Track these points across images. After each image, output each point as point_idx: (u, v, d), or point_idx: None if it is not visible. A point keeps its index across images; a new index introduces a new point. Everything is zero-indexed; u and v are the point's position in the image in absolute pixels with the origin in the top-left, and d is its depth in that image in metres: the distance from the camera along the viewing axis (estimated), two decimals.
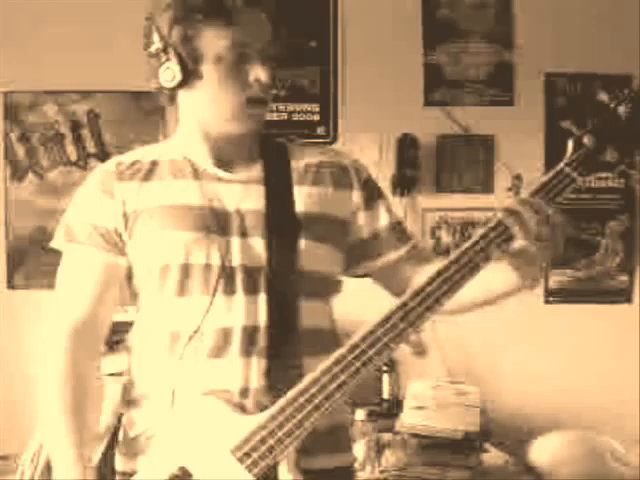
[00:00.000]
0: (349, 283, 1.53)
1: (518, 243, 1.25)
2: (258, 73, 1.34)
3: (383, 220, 1.49)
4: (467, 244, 1.25)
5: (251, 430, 1.25)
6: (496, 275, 1.31)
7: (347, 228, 1.45)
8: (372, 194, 1.49)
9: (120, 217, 1.39)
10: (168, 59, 1.34)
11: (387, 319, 1.24)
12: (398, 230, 1.50)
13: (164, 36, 1.33)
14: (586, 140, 1.27)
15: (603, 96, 1.29)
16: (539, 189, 1.25)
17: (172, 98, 1.41)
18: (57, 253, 1.46)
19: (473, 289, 1.27)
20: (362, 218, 1.46)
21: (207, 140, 1.42)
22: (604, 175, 1.31)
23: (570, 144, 1.28)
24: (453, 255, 1.25)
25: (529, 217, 1.22)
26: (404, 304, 1.24)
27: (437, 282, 1.24)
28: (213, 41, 1.32)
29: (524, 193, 1.26)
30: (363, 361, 1.23)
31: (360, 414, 2.59)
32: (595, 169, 1.27)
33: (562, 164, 1.27)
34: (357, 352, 1.23)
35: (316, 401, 1.23)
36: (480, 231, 1.25)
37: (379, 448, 2.44)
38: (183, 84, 1.35)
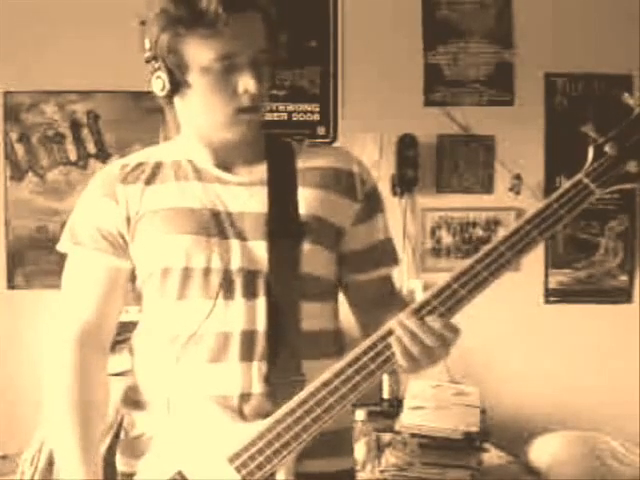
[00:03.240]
0: None
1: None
2: (247, 84, 1.31)
3: (378, 236, 1.48)
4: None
5: (249, 440, 1.24)
6: None
7: (341, 236, 1.43)
8: (373, 207, 1.47)
9: (123, 220, 1.39)
10: (158, 68, 1.34)
11: (389, 333, 1.22)
12: (389, 250, 1.50)
13: (153, 45, 1.33)
14: (608, 148, 1.19)
15: (629, 101, 1.20)
16: (555, 200, 1.20)
17: (169, 102, 1.41)
18: (57, 253, 1.46)
19: None
20: (359, 230, 1.45)
21: (207, 143, 1.41)
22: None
23: (590, 152, 1.20)
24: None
25: (409, 343, 1.19)
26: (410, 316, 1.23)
27: (440, 298, 1.22)
28: (198, 52, 1.30)
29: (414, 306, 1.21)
30: (364, 374, 1.22)
31: (360, 414, 2.59)
32: (615, 181, 1.19)
33: (581, 175, 1.20)
34: (358, 365, 1.22)
35: (315, 414, 1.22)
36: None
37: (379, 448, 2.44)
38: (174, 93, 1.35)
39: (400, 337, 1.21)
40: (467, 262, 1.21)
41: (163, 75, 1.33)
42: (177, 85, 1.34)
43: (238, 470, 1.25)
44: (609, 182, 1.20)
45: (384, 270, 1.49)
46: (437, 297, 1.22)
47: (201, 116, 1.38)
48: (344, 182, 1.43)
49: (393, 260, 1.51)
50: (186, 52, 1.31)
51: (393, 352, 1.22)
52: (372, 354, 1.22)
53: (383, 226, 1.49)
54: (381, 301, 1.44)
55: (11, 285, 2.99)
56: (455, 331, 1.22)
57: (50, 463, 1.64)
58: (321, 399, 1.22)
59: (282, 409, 1.24)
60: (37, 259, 2.95)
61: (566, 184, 1.20)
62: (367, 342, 1.23)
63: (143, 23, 1.35)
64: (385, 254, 1.50)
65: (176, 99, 1.39)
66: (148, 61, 1.35)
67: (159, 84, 1.35)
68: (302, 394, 1.23)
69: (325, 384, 1.22)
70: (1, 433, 2.69)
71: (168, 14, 1.30)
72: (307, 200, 1.39)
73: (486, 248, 1.21)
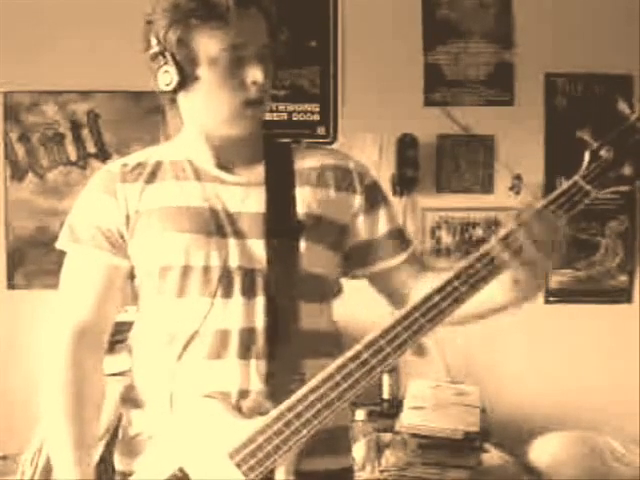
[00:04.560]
0: (353, 284, 1.53)
1: (526, 255, 1.22)
2: (254, 74, 1.33)
3: (383, 226, 1.48)
4: (473, 257, 1.23)
5: (249, 435, 1.25)
6: (496, 289, 1.29)
7: (347, 232, 1.44)
8: (374, 199, 1.47)
9: (123, 218, 1.39)
10: (166, 62, 1.34)
11: (391, 328, 1.23)
12: (398, 237, 1.50)
13: (161, 40, 1.34)
14: (603, 152, 1.22)
15: (623, 107, 1.23)
16: (552, 201, 1.22)
17: (173, 100, 1.41)
18: (57, 253, 1.46)
19: (474, 302, 1.25)
20: (362, 223, 1.46)
21: (209, 142, 1.42)
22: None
23: (586, 156, 1.23)
24: (459, 267, 1.23)
25: (540, 230, 1.20)
26: (408, 314, 1.23)
27: (440, 295, 1.23)
28: (208, 44, 1.32)
29: (535, 204, 1.22)
30: (365, 370, 1.22)
31: (360, 414, 2.59)
32: (611, 183, 1.23)
33: (577, 177, 1.23)
34: (359, 361, 1.22)
35: (315, 409, 1.23)
36: (486, 246, 1.23)
37: (379, 448, 2.44)
38: (181, 87, 1.36)
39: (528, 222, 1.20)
40: (464, 262, 1.22)
41: (171, 69, 1.34)
42: (184, 79, 1.34)
43: (239, 466, 1.25)
44: (605, 184, 1.23)
45: (400, 255, 1.48)
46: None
47: (206, 111, 1.38)
48: (342, 178, 1.45)
49: (406, 245, 1.50)
50: (195, 44, 1.32)
51: (393, 347, 1.22)
52: (372, 350, 1.22)
53: (389, 216, 1.49)
54: (412, 283, 1.44)
55: (11, 285, 2.99)
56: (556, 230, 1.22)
57: (50, 463, 1.64)
58: (321, 395, 1.23)
59: (283, 405, 1.24)
60: (37, 259, 2.95)
61: (563, 186, 1.23)
62: (368, 338, 1.23)
63: (149, 22, 1.36)
64: (395, 242, 1.48)
65: (180, 96, 1.39)
66: (154, 57, 1.35)
67: (166, 79, 1.35)
68: (303, 390, 1.24)
69: (325, 380, 1.23)
70: (1, 433, 2.69)
71: (178, 8, 1.32)
72: (305, 199, 1.40)
73: (484, 248, 1.22)
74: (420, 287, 1.35)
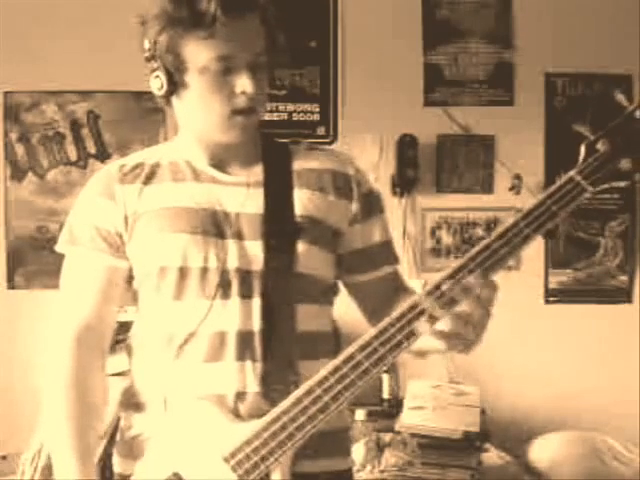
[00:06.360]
0: None
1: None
2: (244, 85, 1.32)
3: (376, 237, 1.47)
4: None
5: (244, 439, 1.24)
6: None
7: (340, 237, 1.44)
8: (370, 208, 1.47)
9: (121, 219, 1.39)
10: (157, 67, 1.34)
11: (384, 330, 1.21)
12: (387, 250, 1.50)
13: (152, 45, 1.34)
14: (600, 146, 1.18)
15: (621, 98, 1.19)
16: (548, 197, 1.20)
17: (168, 102, 1.41)
18: (57, 253, 1.46)
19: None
20: (356, 231, 1.45)
21: (204, 144, 1.41)
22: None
23: (582, 149, 1.19)
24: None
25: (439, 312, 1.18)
26: (402, 315, 1.22)
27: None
28: (197, 53, 1.31)
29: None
30: (359, 373, 1.21)
31: (360, 414, 2.59)
32: (608, 179, 1.19)
33: (573, 172, 1.19)
34: (353, 363, 1.21)
35: (310, 412, 1.22)
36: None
37: (379, 448, 2.44)
38: (171, 93, 1.36)
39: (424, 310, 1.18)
40: (460, 260, 1.21)
41: (161, 75, 1.34)
42: (175, 85, 1.34)
43: (234, 469, 1.25)
44: (601, 179, 1.19)
45: (386, 269, 1.49)
46: (430, 295, 1.22)
47: (198, 117, 1.38)
48: (340, 184, 1.44)
49: (393, 259, 1.51)
50: (184, 52, 1.31)
51: (388, 349, 1.21)
52: (366, 352, 1.21)
53: (382, 227, 1.49)
54: (388, 299, 1.44)
55: (11, 285, 2.99)
56: (493, 287, 1.18)
57: (50, 463, 1.64)
58: (316, 398, 1.22)
59: (277, 408, 1.24)
60: (37, 259, 2.95)
61: (558, 181, 1.20)
62: (362, 339, 1.22)
63: (143, 23, 1.36)
64: (384, 254, 1.49)
65: (174, 99, 1.39)
66: (148, 60, 1.36)
67: (157, 83, 1.35)
68: (297, 393, 1.23)
69: (320, 382, 1.22)
70: (1, 433, 2.69)
71: (167, 15, 1.30)
72: (303, 201, 1.39)
73: (480, 245, 1.21)
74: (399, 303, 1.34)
